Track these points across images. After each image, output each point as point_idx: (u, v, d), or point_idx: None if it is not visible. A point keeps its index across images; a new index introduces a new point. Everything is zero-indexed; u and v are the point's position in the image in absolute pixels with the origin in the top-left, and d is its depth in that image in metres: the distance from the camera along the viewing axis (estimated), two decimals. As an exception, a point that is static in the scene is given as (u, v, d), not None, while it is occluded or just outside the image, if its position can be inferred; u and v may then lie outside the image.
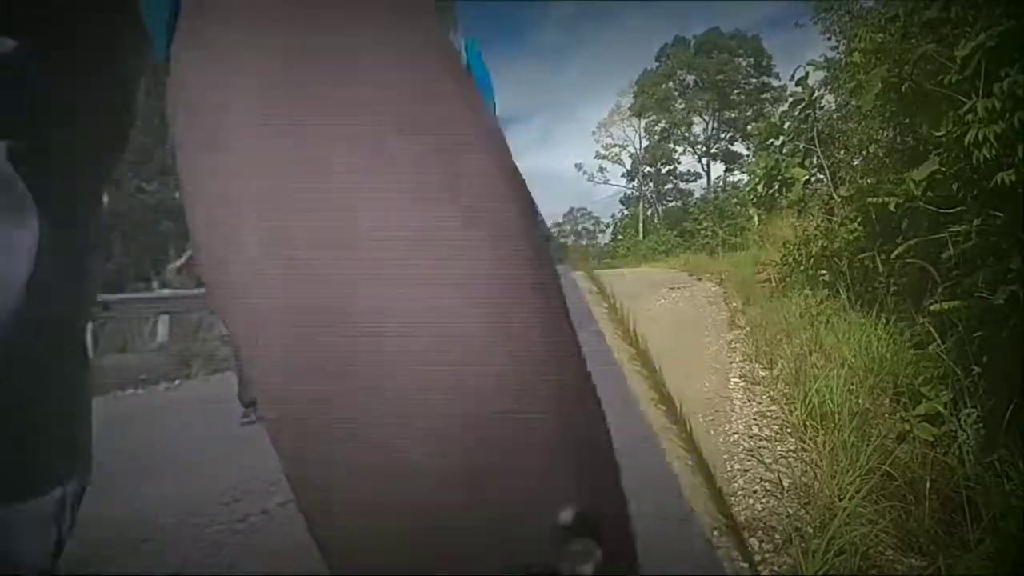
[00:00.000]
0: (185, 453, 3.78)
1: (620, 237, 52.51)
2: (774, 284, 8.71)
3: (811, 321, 5.48)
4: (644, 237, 48.00)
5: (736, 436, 3.59)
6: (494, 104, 0.45)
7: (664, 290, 13.02)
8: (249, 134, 0.23)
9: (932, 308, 3.44)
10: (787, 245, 8.74)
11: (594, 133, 56.59)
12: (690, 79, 50.27)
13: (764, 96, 46.84)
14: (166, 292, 8.96)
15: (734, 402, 4.33)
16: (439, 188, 0.22)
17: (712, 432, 3.67)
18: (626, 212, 54.94)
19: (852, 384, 3.45)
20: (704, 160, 51.91)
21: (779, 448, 3.31)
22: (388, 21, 0.25)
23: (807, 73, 9.43)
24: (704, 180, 52.07)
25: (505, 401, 0.21)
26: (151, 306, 8.05)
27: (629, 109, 53.03)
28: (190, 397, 5.69)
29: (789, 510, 2.49)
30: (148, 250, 14.36)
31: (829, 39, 9.67)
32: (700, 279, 15.80)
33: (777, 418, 3.78)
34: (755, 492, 2.75)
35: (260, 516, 2.76)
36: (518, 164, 0.27)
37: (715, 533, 2.17)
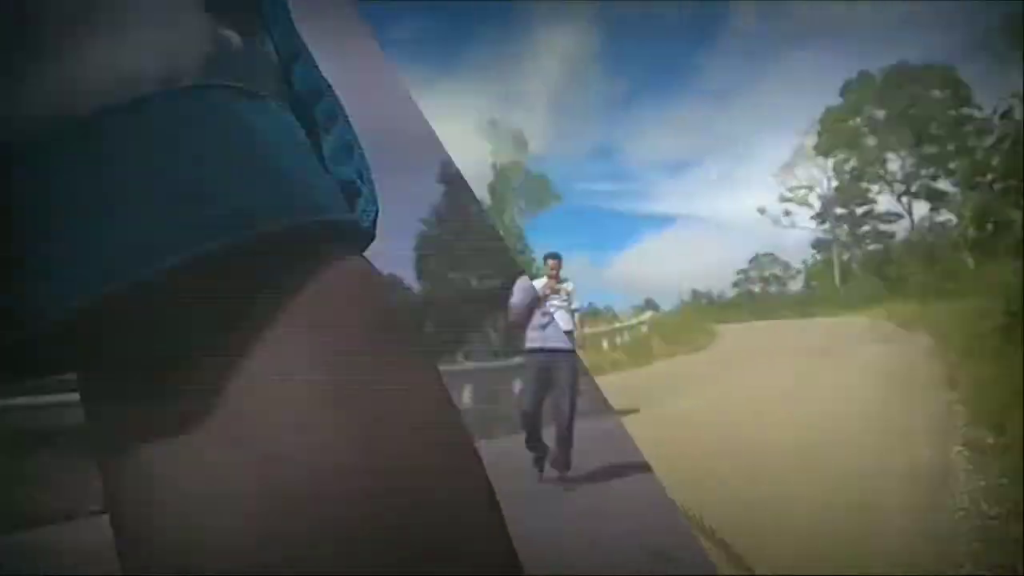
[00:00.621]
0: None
1: (814, 283, 49.28)
2: (999, 337, 7.91)
3: (1047, 380, 4.98)
4: (841, 283, 44.70)
5: (962, 513, 3.40)
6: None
7: (868, 343, 12.14)
8: None
9: None
10: (1010, 291, 7.95)
11: (776, 175, 54.37)
12: (880, 114, 47.02)
13: (967, 129, 42.51)
14: (470, 365, 11.14)
15: (958, 474, 4.06)
16: None
17: (934, 507, 3.50)
18: (819, 257, 51.57)
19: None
20: (904, 199, 47.73)
21: (1013, 529, 3.09)
22: None
23: (1010, 107, 8.71)
24: (907, 221, 47.77)
25: None
26: (456, 378, 9.18)
27: (814, 148, 50.51)
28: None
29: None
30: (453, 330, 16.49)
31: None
32: (910, 330, 14.47)
33: (1009, 496, 3.51)
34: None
35: None
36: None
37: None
